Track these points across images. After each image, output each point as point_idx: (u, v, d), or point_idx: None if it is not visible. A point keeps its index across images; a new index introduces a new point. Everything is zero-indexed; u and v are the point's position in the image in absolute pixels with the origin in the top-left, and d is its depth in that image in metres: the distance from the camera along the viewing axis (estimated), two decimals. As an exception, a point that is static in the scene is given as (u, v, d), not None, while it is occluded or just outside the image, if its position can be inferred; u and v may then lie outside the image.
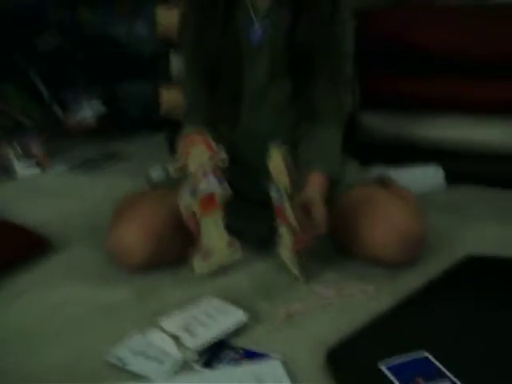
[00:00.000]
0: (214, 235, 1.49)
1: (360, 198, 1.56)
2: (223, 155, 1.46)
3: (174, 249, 1.56)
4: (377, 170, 1.95)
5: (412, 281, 1.45)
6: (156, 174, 2.12)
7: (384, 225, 1.47)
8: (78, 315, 1.38)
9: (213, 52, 1.59)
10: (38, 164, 2.45)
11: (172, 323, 1.27)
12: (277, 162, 1.40)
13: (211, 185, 1.46)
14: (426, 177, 2.03)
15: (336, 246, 1.60)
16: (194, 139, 1.45)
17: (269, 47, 1.59)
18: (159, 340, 1.22)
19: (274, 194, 1.45)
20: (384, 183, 1.69)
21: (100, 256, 1.64)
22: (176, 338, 1.22)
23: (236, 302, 1.37)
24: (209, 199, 1.47)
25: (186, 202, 1.45)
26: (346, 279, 1.47)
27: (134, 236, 1.50)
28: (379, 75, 2.11)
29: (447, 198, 1.97)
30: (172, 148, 2.44)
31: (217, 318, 1.27)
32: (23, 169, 2.41)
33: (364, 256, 1.52)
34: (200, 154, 1.44)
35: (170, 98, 2.46)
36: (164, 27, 2.36)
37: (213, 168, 1.46)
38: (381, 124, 2.14)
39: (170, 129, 2.49)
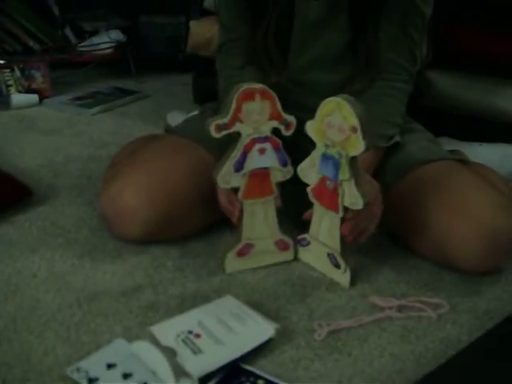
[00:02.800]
0: (260, 225, 1.11)
1: (431, 178, 1.18)
2: (290, 119, 1.07)
3: (189, 221, 1.19)
4: (445, 145, 1.56)
5: (497, 295, 1.09)
6: (174, 121, 1.73)
7: (465, 218, 1.09)
8: (39, 301, 1.02)
9: None
10: (39, 93, 2.08)
11: (169, 330, 0.90)
12: (343, 116, 1.00)
13: (267, 158, 1.07)
14: (507, 158, 1.63)
15: (393, 237, 1.22)
16: (252, 91, 1.03)
17: None
18: (146, 353, 0.85)
19: (321, 164, 1.06)
20: (462, 160, 1.29)
21: (89, 218, 1.28)
22: (171, 353, 0.86)
23: (260, 306, 1.00)
24: (261, 177, 1.08)
25: (225, 175, 1.06)
26: (409, 287, 1.10)
27: (136, 195, 1.13)
28: (462, 25, 1.71)
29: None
30: (198, 93, 2.09)
31: (234, 329, 0.91)
32: (20, 98, 2.04)
33: (433, 256, 1.15)
34: (258, 114, 1.04)
35: (200, 32, 2.07)
36: None
37: (272, 135, 1.07)
38: (456, 89, 1.73)
39: (198, 69, 2.12)
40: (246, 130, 1.04)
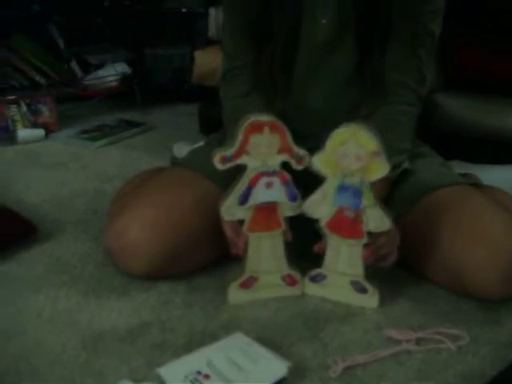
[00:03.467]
0: (267, 259, 1.07)
1: (444, 204, 1.14)
2: (302, 153, 1.03)
3: (196, 255, 1.16)
4: (457, 169, 1.52)
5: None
6: (180, 152, 1.71)
7: (480, 244, 1.05)
8: (43, 341, 0.98)
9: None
10: (45, 127, 2.07)
11: (177, 371, 0.87)
12: (359, 144, 0.99)
13: (274, 192, 1.04)
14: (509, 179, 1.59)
15: (406, 267, 1.18)
16: (261, 123, 1.00)
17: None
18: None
19: (337, 196, 1.03)
20: (475, 184, 1.25)
21: (95, 253, 1.25)
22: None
23: (271, 342, 0.96)
24: (267, 211, 1.05)
25: (230, 207, 1.03)
26: (426, 318, 1.05)
27: (141, 231, 1.10)
28: (471, 45, 1.68)
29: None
30: (204, 123, 2.07)
31: (244, 368, 0.87)
32: (26, 133, 2.02)
33: (449, 285, 1.12)
34: (266, 147, 1.02)
35: (205, 62, 2.06)
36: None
37: (280, 168, 1.04)
38: (466, 110, 1.71)
39: (203, 99, 2.10)
40: (252, 163, 1.02)
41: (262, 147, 1.01)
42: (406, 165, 1.19)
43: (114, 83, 2.37)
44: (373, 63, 1.18)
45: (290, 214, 1.05)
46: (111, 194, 1.40)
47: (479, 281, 1.04)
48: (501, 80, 1.64)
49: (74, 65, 2.46)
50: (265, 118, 1.00)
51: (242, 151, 1.01)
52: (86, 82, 2.38)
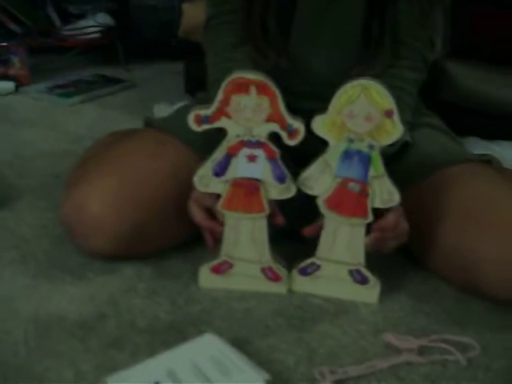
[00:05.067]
0: (245, 245, 0.90)
1: (454, 185, 0.99)
2: (296, 125, 0.85)
3: (166, 234, 1.00)
4: (474, 146, 1.38)
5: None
6: (161, 114, 1.54)
7: (495, 235, 0.90)
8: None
9: None
10: (16, 80, 1.89)
11: (130, 382, 0.71)
12: (372, 101, 0.83)
13: (257, 168, 0.87)
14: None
15: (408, 254, 1.03)
16: (246, 81, 0.83)
17: None
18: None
19: (341, 165, 0.86)
20: (490, 162, 1.09)
21: (52, 226, 1.09)
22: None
23: (248, 345, 0.81)
24: (248, 189, 0.88)
25: (204, 177, 0.87)
26: (429, 320, 0.90)
27: (102, 204, 0.94)
28: (484, 10, 1.50)
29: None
30: (190, 82, 1.89)
31: (213, 381, 0.71)
32: (-6, 84, 1.85)
33: (456, 279, 0.97)
34: (251, 110, 0.84)
35: (193, 15, 1.87)
36: None
37: (267, 140, 0.86)
38: (476, 80, 1.53)
39: (189, 56, 1.92)
40: (234, 129, 0.85)
41: (246, 111, 0.84)
42: (406, 137, 1.03)
43: (94, 35, 2.18)
44: (382, 22, 1.02)
45: (276, 197, 0.88)
46: (78, 155, 1.24)
47: (490, 276, 0.89)
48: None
49: (52, 13, 2.27)
50: (253, 75, 0.83)
51: (222, 112, 0.84)
52: (64, 33, 2.19)
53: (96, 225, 0.93)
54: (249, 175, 0.87)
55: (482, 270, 0.90)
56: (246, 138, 0.85)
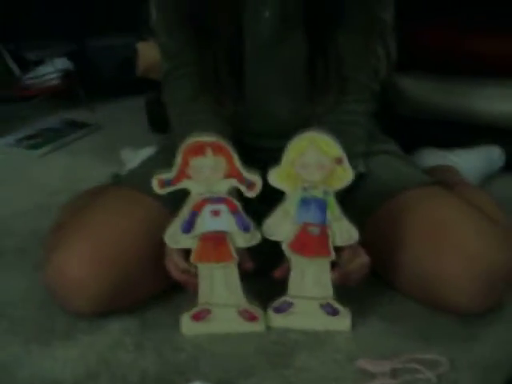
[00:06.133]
0: (220, 291, 0.97)
1: (409, 209, 1.05)
2: (253, 178, 0.91)
3: (144, 288, 1.06)
4: (429, 157, 1.44)
5: (501, 338, 0.97)
6: (129, 159, 1.59)
7: (452, 254, 0.96)
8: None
9: None
10: (-19, 136, 1.93)
11: None
12: (320, 151, 0.89)
13: (222, 222, 0.93)
14: (491, 161, 1.51)
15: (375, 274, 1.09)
16: (202, 145, 0.90)
17: None
18: None
19: (300, 212, 0.93)
20: (443, 182, 1.16)
21: (37, 288, 1.13)
22: None
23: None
24: (215, 241, 0.94)
25: (174, 234, 0.94)
26: (400, 339, 0.97)
27: (80, 268, 0.99)
28: (426, 26, 1.59)
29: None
30: (154, 121, 1.94)
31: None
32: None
33: (421, 298, 1.03)
34: (209, 171, 0.91)
35: (149, 54, 1.93)
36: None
37: (230, 196, 0.93)
38: (428, 93, 1.60)
39: (150, 95, 1.97)
40: (195, 188, 0.91)
41: (204, 171, 0.90)
42: (360, 168, 1.09)
43: (55, 81, 2.21)
44: (324, 59, 1.08)
45: (244, 245, 0.94)
46: (55, 210, 1.28)
47: (453, 295, 0.96)
48: (463, 60, 1.55)
49: (11, 63, 2.30)
50: (207, 138, 0.90)
51: (182, 175, 0.91)
52: (25, 82, 2.22)
53: (77, 287, 0.99)
54: (215, 228, 0.93)
55: (441, 286, 0.96)
56: (208, 195, 0.91)
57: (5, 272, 1.20)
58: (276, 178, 0.92)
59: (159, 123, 1.81)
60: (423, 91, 1.62)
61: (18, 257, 1.26)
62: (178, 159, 0.90)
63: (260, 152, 1.14)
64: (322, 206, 0.92)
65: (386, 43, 1.14)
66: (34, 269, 1.18)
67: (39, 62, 2.29)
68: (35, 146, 1.86)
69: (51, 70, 2.22)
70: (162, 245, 0.97)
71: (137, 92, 2.23)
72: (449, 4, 1.55)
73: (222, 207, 0.92)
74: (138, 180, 1.13)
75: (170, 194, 0.97)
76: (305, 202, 0.92)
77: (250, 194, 0.92)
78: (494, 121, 1.56)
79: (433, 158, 1.47)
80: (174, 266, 0.98)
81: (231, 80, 1.11)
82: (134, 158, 1.58)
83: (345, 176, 0.91)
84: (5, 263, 1.24)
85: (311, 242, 0.94)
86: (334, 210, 0.92)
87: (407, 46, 1.55)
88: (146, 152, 1.48)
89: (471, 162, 1.48)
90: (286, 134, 0.94)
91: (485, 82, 1.57)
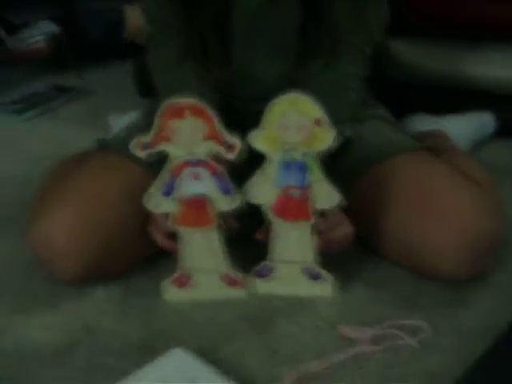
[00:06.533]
0: (201, 256, 0.96)
1: (396, 175, 1.04)
2: (233, 141, 0.91)
3: (130, 254, 1.04)
4: (420, 122, 1.42)
5: (486, 305, 0.97)
6: (117, 124, 1.57)
7: (440, 221, 0.96)
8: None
9: None
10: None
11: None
12: (300, 113, 0.88)
13: (201, 185, 0.92)
14: (482, 127, 1.50)
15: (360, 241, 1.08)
16: (180, 107, 0.89)
17: None
18: None
19: (281, 175, 0.92)
20: (433, 148, 1.15)
21: (21, 255, 1.12)
22: None
23: (214, 352, 0.87)
24: (196, 204, 0.93)
25: (154, 198, 0.93)
26: (384, 305, 0.97)
27: (64, 236, 0.98)
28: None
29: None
30: (142, 85, 1.91)
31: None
32: None
33: (406, 264, 1.03)
34: (188, 133, 0.90)
35: (135, 17, 1.89)
36: None
37: (211, 159, 0.92)
38: (422, 57, 1.58)
39: (138, 57, 1.93)
40: (174, 151, 0.90)
41: (183, 133, 0.89)
42: (348, 132, 1.07)
43: (41, 44, 2.17)
44: (318, 24, 1.06)
45: (225, 208, 0.93)
46: (40, 177, 1.26)
47: (439, 262, 0.95)
48: (457, 24, 1.52)
49: (-2, 27, 2.26)
50: (185, 100, 0.88)
51: (161, 137, 0.90)
52: (10, 46, 2.18)
53: (60, 254, 0.98)
54: (195, 192, 0.92)
55: (426, 255, 0.96)
56: (187, 158, 0.90)
57: (-12, 240, 1.19)
58: (257, 140, 0.91)
59: (147, 88, 1.77)
60: (417, 56, 1.59)
61: (2, 224, 1.24)
62: (157, 121, 0.88)
63: (250, 116, 1.12)
64: (303, 168, 0.91)
65: (380, 6, 1.12)
66: (18, 237, 1.17)
67: (24, 25, 2.26)
68: (20, 111, 1.83)
69: (39, 35, 2.18)
70: (146, 210, 0.96)
71: (126, 56, 2.20)
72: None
73: (202, 170, 0.91)
74: (122, 145, 1.11)
75: (154, 158, 0.96)
76: (285, 165, 0.91)
77: (230, 156, 0.90)
78: (489, 86, 1.53)
79: (423, 123, 1.46)
80: (158, 231, 0.97)
81: (218, 46, 1.09)
82: (121, 122, 1.56)
83: (326, 137, 0.90)
84: (-11, 231, 1.22)
85: (292, 205, 0.93)
86: (316, 173, 0.91)
87: (400, 9, 1.53)
88: (133, 117, 1.46)
89: (462, 127, 1.47)
90: (273, 97, 0.92)
91: (481, 47, 1.54)
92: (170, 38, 1.10)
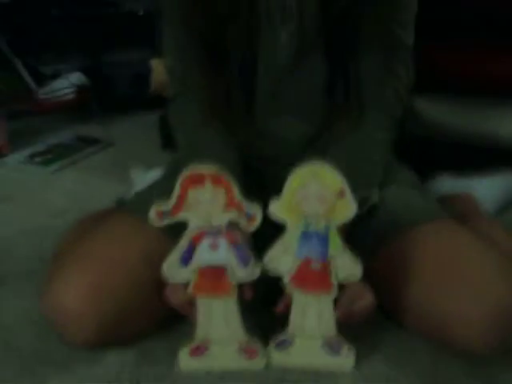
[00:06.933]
0: (218, 326, 0.93)
1: (421, 244, 1.01)
2: (253, 210, 0.89)
3: (144, 318, 1.02)
4: (439, 182, 1.41)
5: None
6: (138, 179, 1.57)
7: (465, 293, 0.92)
8: None
9: (216, 8, 1.03)
10: (-4, 150, 1.92)
11: None
12: (322, 184, 0.87)
13: (220, 255, 0.90)
14: (508, 189, 1.47)
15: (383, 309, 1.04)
16: (201, 176, 0.88)
17: (294, 8, 1.03)
18: None
19: (301, 246, 0.90)
20: (459, 215, 1.12)
21: (36, 315, 1.10)
22: None
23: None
24: (214, 274, 0.91)
25: (172, 267, 0.91)
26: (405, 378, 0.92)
27: (79, 297, 0.96)
28: (444, 46, 1.55)
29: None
30: (166, 138, 1.92)
31: None
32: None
33: (428, 335, 0.99)
34: (208, 203, 0.89)
35: (163, 71, 1.90)
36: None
37: (229, 229, 0.90)
38: (446, 115, 1.57)
39: (164, 110, 1.95)
40: (194, 221, 0.89)
41: (203, 203, 0.88)
42: (374, 199, 1.05)
43: (69, 96, 2.21)
44: (344, 84, 1.05)
45: (243, 279, 0.91)
46: (61, 231, 1.25)
47: (464, 335, 0.91)
48: (481, 81, 1.51)
49: (27, 77, 2.30)
50: (206, 168, 0.87)
51: (181, 206, 0.88)
52: (40, 97, 2.21)
53: (74, 319, 0.96)
54: (213, 262, 0.90)
55: (452, 328, 0.92)
56: (206, 228, 0.89)
57: (4, 294, 1.18)
58: (277, 209, 0.89)
59: (170, 141, 1.78)
60: (440, 113, 1.59)
61: (19, 279, 1.23)
62: (177, 190, 0.87)
63: (267, 175, 1.11)
64: (324, 239, 0.89)
65: (407, 65, 1.11)
66: (34, 291, 1.15)
67: (54, 76, 2.30)
68: (45, 163, 1.85)
69: (67, 85, 2.22)
70: (162, 275, 0.94)
71: (151, 108, 2.23)
72: (466, 24, 1.51)
73: (221, 240, 0.89)
74: (141, 207, 1.09)
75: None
76: (306, 236, 0.89)
77: (250, 228, 0.89)
78: (512, 144, 1.52)
79: (449, 184, 1.44)
80: (175, 297, 0.95)
81: (242, 106, 1.08)
82: (143, 178, 1.57)
83: (347, 209, 0.88)
84: (5, 285, 1.21)
85: (312, 277, 0.90)
86: (337, 245, 0.89)
87: (424, 66, 1.53)
88: (155, 174, 1.45)
89: (489, 189, 1.44)
90: (295, 159, 0.91)
91: (505, 104, 1.53)
92: (195, 97, 1.10)
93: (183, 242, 0.90)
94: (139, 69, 2.29)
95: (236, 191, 0.88)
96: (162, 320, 1.04)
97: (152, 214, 0.89)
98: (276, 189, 0.94)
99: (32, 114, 2.21)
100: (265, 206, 0.91)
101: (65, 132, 2.13)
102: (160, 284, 0.96)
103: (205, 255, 0.90)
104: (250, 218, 0.89)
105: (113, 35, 2.34)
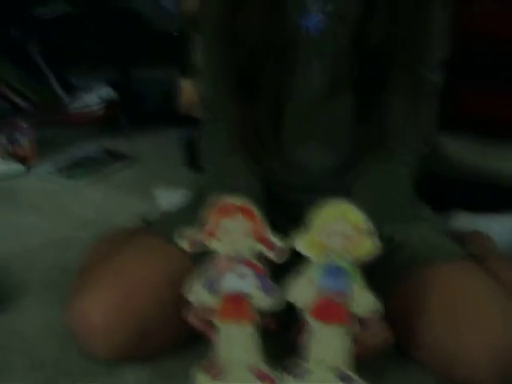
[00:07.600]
0: (237, 351, 0.95)
1: (437, 283, 1.03)
2: (279, 244, 0.93)
3: (164, 337, 1.05)
4: (461, 221, 1.41)
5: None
6: (163, 200, 1.60)
7: (477, 337, 0.95)
8: None
9: (252, 42, 1.07)
10: (24, 160, 1.96)
11: None
12: (348, 222, 0.91)
13: (247, 284, 0.94)
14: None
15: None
16: (232, 208, 0.93)
17: (329, 44, 1.07)
18: None
19: (323, 279, 0.93)
20: (476, 255, 1.14)
21: (58, 326, 1.14)
22: None
23: None
24: (237, 301, 0.94)
25: (198, 293, 0.94)
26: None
27: (102, 313, 1.00)
28: (467, 86, 1.57)
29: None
30: (192, 158, 1.94)
31: None
32: (3, 167, 1.91)
33: (439, 372, 1.01)
34: (238, 233, 0.93)
35: (192, 91, 1.94)
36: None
37: (254, 259, 0.94)
38: (468, 154, 1.59)
39: (189, 131, 1.98)
40: (223, 250, 0.93)
41: (233, 234, 0.92)
42: (398, 236, 1.07)
43: (99, 111, 2.25)
44: (370, 119, 1.08)
45: (265, 308, 0.94)
46: (85, 243, 1.28)
47: (473, 374, 0.94)
48: (504, 124, 1.53)
49: (58, 88, 2.35)
50: (239, 201, 0.92)
51: (211, 235, 0.93)
52: (71, 109, 2.26)
53: (96, 334, 1.00)
54: (238, 289, 0.93)
55: (459, 367, 0.95)
56: (234, 258, 0.93)
57: (27, 304, 1.21)
58: (301, 244, 0.92)
59: (195, 162, 1.81)
60: (461, 151, 1.60)
61: (42, 290, 1.27)
62: (208, 219, 0.91)
63: (289, 204, 1.14)
64: (345, 274, 0.91)
65: (433, 105, 1.14)
66: (56, 302, 1.19)
67: (83, 89, 2.34)
68: (73, 176, 1.89)
69: (97, 100, 2.26)
70: (183, 295, 0.97)
71: (178, 126, 2.26)
72: (490, 66, 1.54)
73: (247, 270, 0.93)
74: (167, 229, 1.12)
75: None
76: (328, 270, 0.92)
77: (279, 261, 0.93)
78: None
79: (467, 222, 1.45)
80: (197, 318, 0.97)
81: (270, 136, 1.11)
82: (167, 198, 1.60)
83: (370, 247, 0.91)
84: (28, 296, 1.24)
85: (331, 310, 0.93)
86: (357, 280, 0.92)
87: (446, 105, 1.56)
88: (179, 195, 1.47)
89: (506, 228, 1.45)
90: (318, 188, 0.94)
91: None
92: (224, 125, 1.13)
93: (211, 270, 0.93)
94: (167, 85, 2.33)
95: (265, 225, 0.92)
96: (182, 338, 1.06)
97: (185, 243, 0.93)
98: (295, 215, 0.98)
99: (60, 125, 2.25)
100: (283, 231, 0.95)
101: (91, 144, 2.16)
102: (181, 303, 0.99)
103: (232, 283, 0.93)
104: (278, 251, 0.92)
105: (145, 52, 2.39)
